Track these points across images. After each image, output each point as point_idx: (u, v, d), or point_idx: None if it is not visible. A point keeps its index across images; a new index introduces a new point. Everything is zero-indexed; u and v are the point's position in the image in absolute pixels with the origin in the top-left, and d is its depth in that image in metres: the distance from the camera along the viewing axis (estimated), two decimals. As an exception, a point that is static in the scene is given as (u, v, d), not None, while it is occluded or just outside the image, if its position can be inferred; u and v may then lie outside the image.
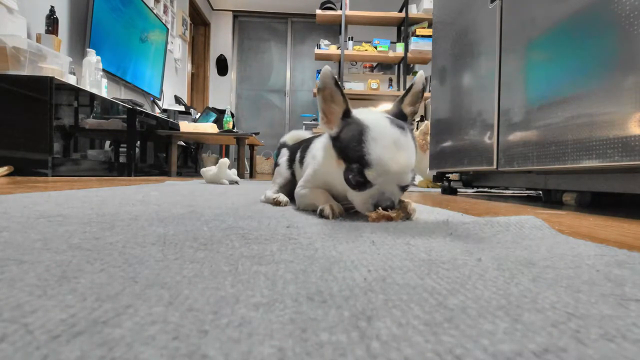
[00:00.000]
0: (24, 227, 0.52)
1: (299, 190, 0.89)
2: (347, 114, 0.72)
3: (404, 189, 0.70)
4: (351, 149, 0.67)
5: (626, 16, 0.94)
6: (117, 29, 3.36)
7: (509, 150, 1.43)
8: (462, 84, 1.86)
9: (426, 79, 4.71)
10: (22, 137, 2.18)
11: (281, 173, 1.10)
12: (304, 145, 1.02)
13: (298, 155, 1.04)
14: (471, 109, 1.75)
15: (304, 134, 1.30)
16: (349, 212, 0.78)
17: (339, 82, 0.70)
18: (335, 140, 0.72)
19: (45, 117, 2.18)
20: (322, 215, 0.73)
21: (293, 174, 1.09)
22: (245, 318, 0.24)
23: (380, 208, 0.68)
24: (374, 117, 0.70)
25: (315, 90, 4.51)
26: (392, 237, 0.54)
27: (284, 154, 1.14)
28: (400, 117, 0.74)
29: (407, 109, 0.76)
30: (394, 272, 0.36)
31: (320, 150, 0.84)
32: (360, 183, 0.67)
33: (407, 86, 0.77)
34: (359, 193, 0.69)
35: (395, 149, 0.66)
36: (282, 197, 0.98)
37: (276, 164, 1.17)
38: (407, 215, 0.72)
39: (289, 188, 1.09)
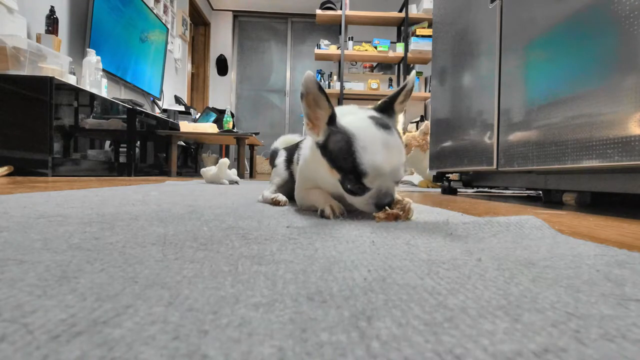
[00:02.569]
0: (24, 227, 0.52)
1: (298, 191, 0.90)
2: (332, 119, 0.72)
3: (397, 182, 0.73)
4: (343, 160, 0.69)
5: (626, 16, 0.94)
6: (117, 29, 3.36)
7: (509, 150, 1.43)
8: (462, 84, 1.86)
9: (426, 79, 4.65)
10: (22, 137, 2.18)
11: (279, 173, 1.11)
12: (299, 147, 1.03)
13: (295, 156, 1.04)
14: (471, 109, 1.75)
15: (294, 138, 1.33)
16: (349, 212, 0.78)
17: (322, 87, 0.71)
18: (324, 148, 0.73)
19: (45, 117, 2.18)
20: (322, 215, 0.74)
21: (291, 174, 1.10)
22: (245, 318, 0.24)
23: (385, 207, 0.70)
24: (359, 123, 0.71)
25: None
26: (392, 237, 0.54)
27: (282, 154, 1.15)
28: (387, 112, 0.76)
29: (398, 107, 0.78)
30: (394, 272, 0.36)
31: (307, 150, 0.85)
32: (360, 190, 0.70)
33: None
34: (357, 198, 0.72)
35: (385, 151, 0.67)
36: (281, 197, 0.98)
37: (274, 165, 1.18)
38: (406, 216, 0.73)
39: (287, 188, 1.10)
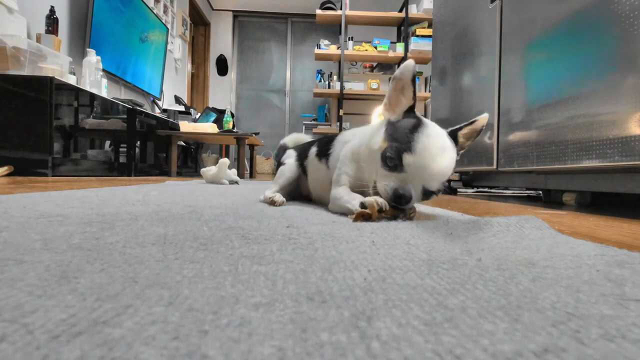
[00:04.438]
0: (24, 227, 0.52)
1: (334, 192, 0.85)
2: (411, 108, 0.75)
3: (427, 195, 0.71)
4: (403, 133, 0.71)
5: (626, 16, 0.94)
6: (117, 29, 3.36)
7: (509, 150, 1.43)
8: (462, 84, 1.86)
9: (426, 79, 4.61)
10: (22, 137, 2.18)
11: (284, 173, 1.08)
12: (324, 141, 1.01)
13: (314, 149, 1.02)
14: (471, 108, 1.75)
15: (305, 137, 1.31)
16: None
17: (415, 80, 0.74)
18: (392, 125, 0.75)
19: (45, 117, 2.18)
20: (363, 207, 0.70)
21: (305, 172, 1.08)
22: (245, 318, 0.24)
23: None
24: (433, 124, 0.74)
25: (316, 90, 4.51)
26: (392, 237, 0.54)
27: (291, 154, 1.12)
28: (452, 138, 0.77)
29: (461, 139, 0.79)
30: (394, 272, 0.36)
31: (359, 138, 0.85)
32: (394, 163, 0.69)
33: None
34: (386, 174, 0.71)
35: (439, 153, 0.68)
36: (278, 197, 0.98)
37: (279, 164, 1.14)
38: (408, 216, 0.73)
39: (291, 189, 1.09)
